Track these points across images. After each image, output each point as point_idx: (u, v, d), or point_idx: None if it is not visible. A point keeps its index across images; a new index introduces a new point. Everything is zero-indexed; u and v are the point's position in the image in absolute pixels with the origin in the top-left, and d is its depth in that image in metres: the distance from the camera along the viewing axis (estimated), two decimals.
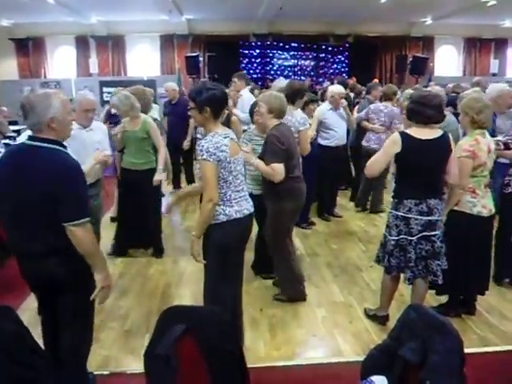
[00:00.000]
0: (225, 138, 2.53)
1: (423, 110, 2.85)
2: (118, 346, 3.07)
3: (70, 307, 2.31)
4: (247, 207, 2.71)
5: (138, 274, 4.15)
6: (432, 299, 3.51)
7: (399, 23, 14.08)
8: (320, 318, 3.41)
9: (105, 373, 2.77)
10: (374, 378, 1.97)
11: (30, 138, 2.15)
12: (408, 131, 2.91)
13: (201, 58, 13.08)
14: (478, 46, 15.07)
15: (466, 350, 3.04)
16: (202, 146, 2.48)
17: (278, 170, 3.20)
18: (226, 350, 1.96)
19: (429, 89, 5.40)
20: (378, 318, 3.30)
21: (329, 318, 3.42)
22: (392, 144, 2.89)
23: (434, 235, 2.91)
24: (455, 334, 1.96)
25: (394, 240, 2.97)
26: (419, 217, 2.88)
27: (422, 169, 2.85)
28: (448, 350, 1.88)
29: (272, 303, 3.64)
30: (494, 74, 14.03)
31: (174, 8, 11.30)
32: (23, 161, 2.12)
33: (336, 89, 5.39)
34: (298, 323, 3.35)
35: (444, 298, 3.43)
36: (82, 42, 13.70)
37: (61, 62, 13.90)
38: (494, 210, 3.24)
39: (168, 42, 14.06)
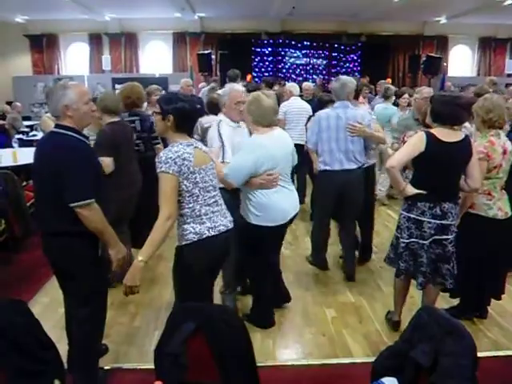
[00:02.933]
0: (188, 146, 2.31)
1: (455, 110, 2.78)
2: (128, 341, 3.09)
3: (73, 295, 2.46)
4: (224, 223, 2.43)
5: (148, 269, 4.15)
6: (443, 302, 3.47)
7: (412, 22, 13.96)
8: (330, 318, 3.40)
9: (114, 367, 2.78)
10: (385, 379, 1.94)
11: (55, 125, 2.35)
12: (433, 132, 2.82)
13: (213, 56, 13.10)
14: (492, 46, 14.85)
15: (478, 354, 3.01)
16: (160, 157, 2.24)
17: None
18: (236, 349, 1.96)
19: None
20: (390, 322, 3.25)
21: (338, 318, 3.41)
22: (419, 142, 2.79)
23: (445, 239, 2.86)
24: (468, 337, 1.93)
25: (404, 243, 2.93)
26: (432, 220, 2.82)
27: (442, 172, 2.80)
28: (460, 353, 1.85)
29: None
30: (509, 75, 13.85)
31: (187, 6, 11.32)
32: (40, 147, 2.40)
33: None
34: (307, 323, 3.34)
35: (455, 301, 3.40)
36: (95, 39, 13.79)
37: (74, 59, 14.02)
38: (510, 213, 3.19)
39: (180, 39, 14.10)
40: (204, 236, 2.32)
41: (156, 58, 14.16)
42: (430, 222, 2.83)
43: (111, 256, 2.40)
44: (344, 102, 3.81)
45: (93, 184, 2.25)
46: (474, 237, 3.10)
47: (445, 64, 13.59)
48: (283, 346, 3.06)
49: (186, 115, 2.33)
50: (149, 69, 13.82)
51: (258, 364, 2.19)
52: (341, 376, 2.77)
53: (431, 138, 2.78)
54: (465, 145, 2.82)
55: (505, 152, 3.03)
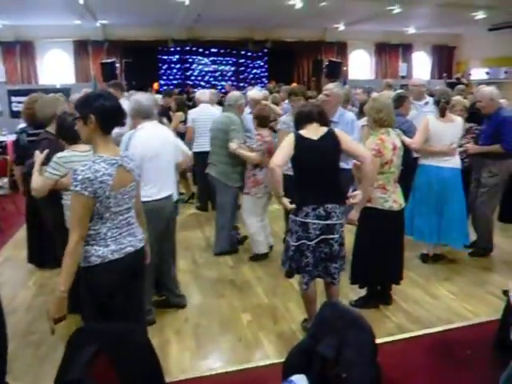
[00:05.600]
0: (111, 164, 2.11)
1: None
2: (33, 375, 2.85)
3: None
4: (132, 243, 2.27)
5: (51, 293, 3.88)
6: (352, 293, 3.65)
7: (314, 29, 14.66)
8: (245, 323, 3.41)
9: None
10: (294, 377, 1.99)
11: None
12: (300, 132, 2.92)
13: (117, 65, 12.71)
14: (387, 51, 16.11)
15: (384, 339, 3.19)
16: (77, 174, 2.03)
17: None
18: (142, 367, 1.89)
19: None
20: (307, 329, 3.14)
21: (254, 321, 3.43)
22: (290, 140, 2.88)
23: (331, 238, 2.92)
24: (367, 327, 2.04)
25: (294, 246, 2.96)
26: (317, 221, 2.87)
27: (316, 169, 2.87)
28: (360, 342, 1.95)
29: (197, 313, 3.58)
30: (403, 77, 15.00)
31: (86, 12, 10.85)
32: None
33: (253, 94, 5.51)
34: (223, 330, 3.32)
35: (363, 291, 3.58)
36: None
37: None
38: (403, 204, 3.44)
39: (82, 47, 13.53)
40: (106, 260, 2.15)
41: (56, 68, 13.43)
42: (314, 224, 2.87)
43: None
44: None
45: None
46: (373, 229, 3.31)
47: (345, 68, 14.40)
48: (200, 357, 3.00)
49: (109, 114, 2.12)
50: (49, 79, 13.05)
51: (174, 379, 2.14)
52: (259, 379, 2.79)
53: (298, 137, 2.88)
54: (329, 137, 2.89)
55: (394, 148, 3.27)
